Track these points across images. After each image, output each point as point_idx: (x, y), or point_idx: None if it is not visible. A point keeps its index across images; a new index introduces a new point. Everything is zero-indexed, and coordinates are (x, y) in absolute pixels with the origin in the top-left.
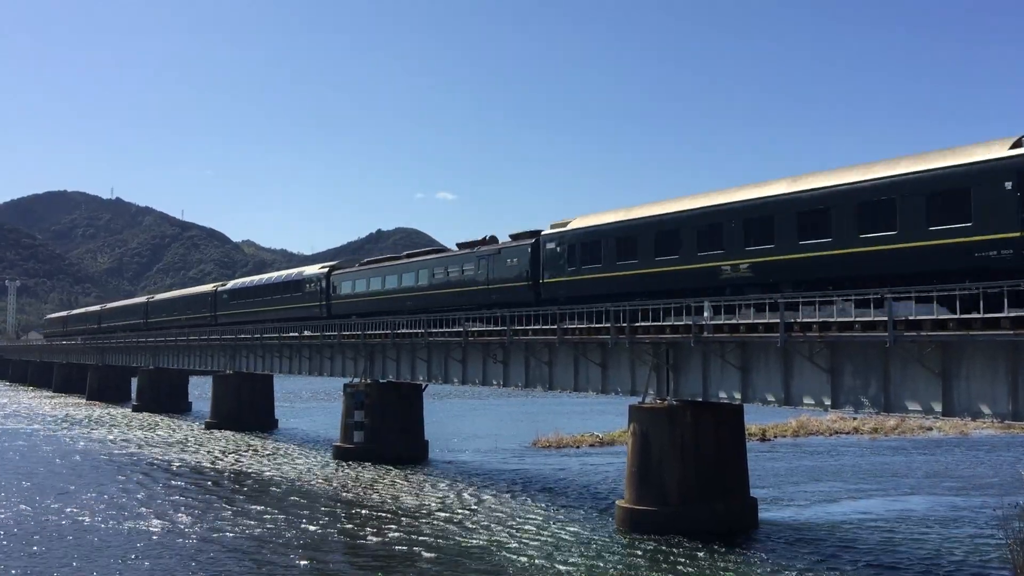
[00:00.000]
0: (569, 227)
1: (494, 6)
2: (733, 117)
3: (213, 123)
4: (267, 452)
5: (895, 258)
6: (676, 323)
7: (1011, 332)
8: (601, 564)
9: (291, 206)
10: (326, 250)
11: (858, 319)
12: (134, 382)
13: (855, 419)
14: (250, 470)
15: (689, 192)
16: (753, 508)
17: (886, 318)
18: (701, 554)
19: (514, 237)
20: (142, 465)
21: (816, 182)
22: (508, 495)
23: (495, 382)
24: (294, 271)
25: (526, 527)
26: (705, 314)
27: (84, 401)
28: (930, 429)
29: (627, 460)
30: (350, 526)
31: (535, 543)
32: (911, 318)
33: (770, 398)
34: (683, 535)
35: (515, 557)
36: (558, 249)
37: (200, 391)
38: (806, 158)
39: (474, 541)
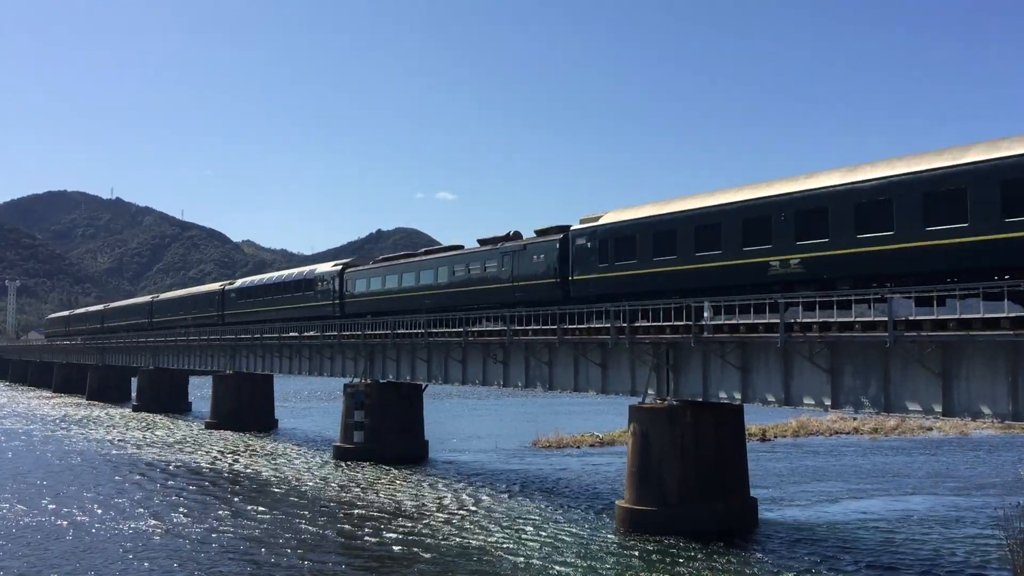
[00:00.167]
0: (601, 221)
1: (494, 6)
2: (733, 117)
3: (213, 123)
4: (267, 452)
5: (965, 253)
6: (676, 323)
7: (1011, 332)
8: (601, 564)
9: (291, 206)
10: (326, 250)
11: (858, 319)
12: (134, 382)
13: (855, 419)
14: (250, 470)
15: (689, 192)
16: (753, 508)
17: (886, 318)
18: (701, 554)
19: (540, 233)
20: (141, 465)
21: (876, 171)
22: (508, 495)
23: (495, 382)
24: (305, 269)
25: (526, 527)
26: (705, 315)
27: (84, 401)
28: (930, 429)
29: (627, 460)
30: (350, 526)
31: (535, 543)
32: (911, 318)
33: (770, 398)
34: (683, 535)
35: (515, 557)
36: (589, 245)
37: (200, 391)
38: (806, 158)
39: (474, 541)
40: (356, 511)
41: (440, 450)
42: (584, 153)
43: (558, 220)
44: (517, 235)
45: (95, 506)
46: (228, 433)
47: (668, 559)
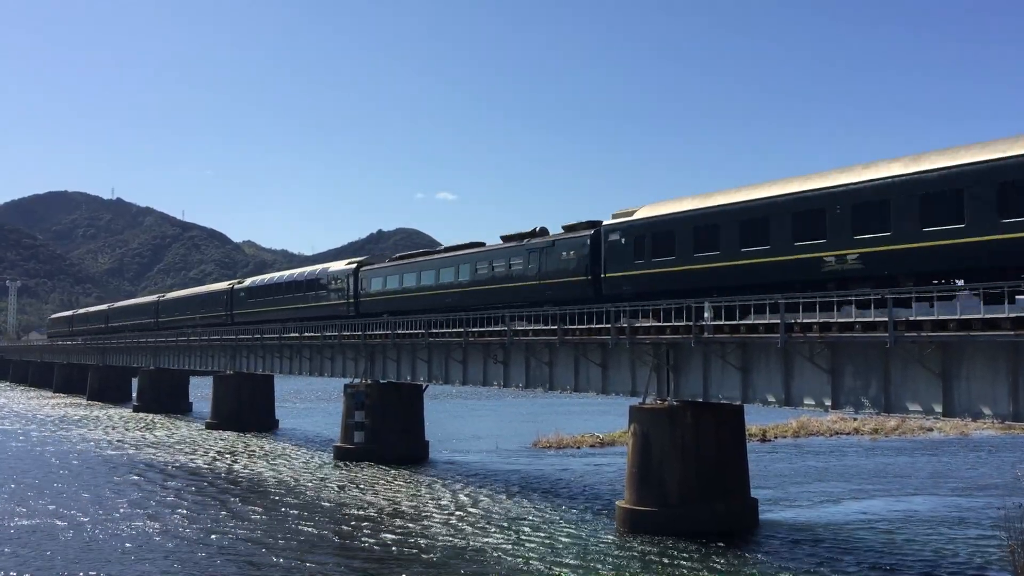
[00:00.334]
0: (636, 216)
1: (494, 6)
2: (733, 117)
3: (213, 123)
4: (267, 453)
5: None
6: (677, 323)
7: (1011, 333)
8: (601, 565)
9: (291, 206)
10: (327, 250)
11: (858, 319)
12: (135, 382)
13: (855, 420)
14: (250, 471)
15: (689, 192)
16: (754, 509)
17: (886, 319)
18: (701, 555)
19: (568, 228)
20: (141, 465)
21: (943, 160)
22: (508, 496)
23: (496, 383)
24: (318, 267)
25: (526, 528)
26: (705, 315)
27: (85, 401)
28: (931, 430)
29: (627, 461)
30: (350, 527)
31: (535, 544)
32: (911, 319)
33: (771, 399)
34: (683, 536)
35: (515, 558)
36: (623, 241)
37: (201, 391)
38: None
39: (474, 542)
40: (356, 512)
41: (441, 450)
42: (584, 153)
43: (558, 220)
44: (544, 231)
45: (94, 507)
46: (228, 433)
47: (668, 560)
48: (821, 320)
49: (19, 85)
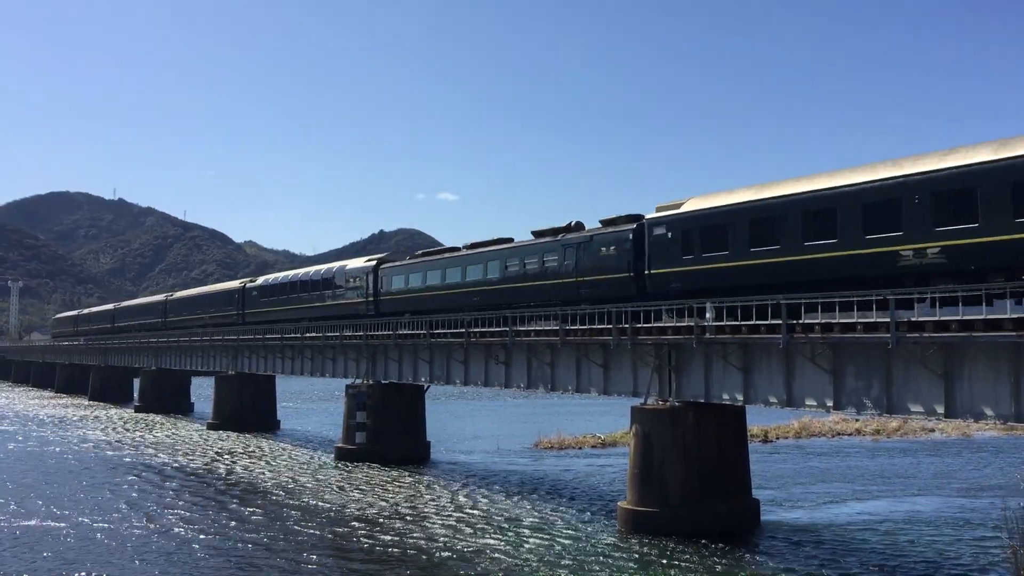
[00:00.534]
0: (684, 209)
1: (494, 6)
2: (734, 117)
3: (214, 123)
4: (269, 453)
5: None
6: (678, 324)
7: (1014, 333)
8: (602, 565)
9: (293, 207)
10: (328, 251)
11: (860, 320)
12: (136, 383)
13: (857, 420)
14: (251, 471)
15: (690, 192)
16: (755, 509)
17: (888, 319)
18: (702, 556)
19: (606, 223)
20: (141, 466)
21: None
22: (509, 496)
23: (497, 383)
24: (335, 265)
25: (527, 528)
26: (707, 315)
27: (86, 402)
28: (932, 431)
29: (629, 461)
30: (351, 528)
31: (536, 544)
32: (913, 319)
33: (772, 399)
34: (685, 536)
35: (516, 558)
36: (669, 235)
37: (202, 392)
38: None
39: (475, 542)
40: (357, 512)
41: (442, 451)
42: (584, 153)
43: (558, 220)
44: (579, 225)
45: (93, 507)
46: (230, 434)
47: (669, 560)
48: (823, 321)
49: (20, 85)
